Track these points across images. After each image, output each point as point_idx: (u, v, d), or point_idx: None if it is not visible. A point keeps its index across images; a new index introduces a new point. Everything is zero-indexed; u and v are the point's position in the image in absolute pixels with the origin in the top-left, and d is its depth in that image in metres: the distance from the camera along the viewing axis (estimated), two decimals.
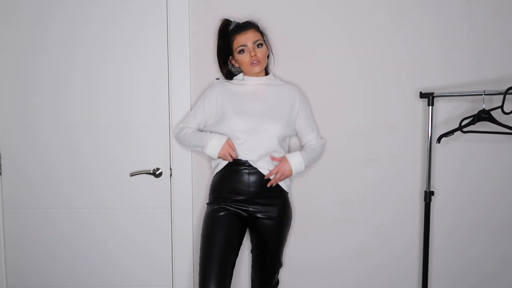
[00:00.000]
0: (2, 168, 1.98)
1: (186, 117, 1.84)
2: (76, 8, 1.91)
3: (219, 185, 1.72)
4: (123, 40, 1.92)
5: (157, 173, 1.95)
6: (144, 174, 1.96)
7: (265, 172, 1.67)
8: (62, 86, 1.94)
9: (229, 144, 1.66)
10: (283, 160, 1.69)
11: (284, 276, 1.98)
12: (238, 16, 1.85)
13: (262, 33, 1.74)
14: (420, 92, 1.84)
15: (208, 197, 1.78)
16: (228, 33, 1.73)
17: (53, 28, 1.91)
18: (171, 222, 1.99)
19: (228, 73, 1.83)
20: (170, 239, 2.00)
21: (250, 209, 1.68)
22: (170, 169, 1.96)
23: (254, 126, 1.66)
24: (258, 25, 1.77)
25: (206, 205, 1.77)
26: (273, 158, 1.68)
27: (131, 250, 2.01)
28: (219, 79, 1.89)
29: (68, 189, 1.98)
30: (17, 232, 2.01)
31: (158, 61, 1.93)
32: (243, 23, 1.74)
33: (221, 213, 1.67)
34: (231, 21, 1.76)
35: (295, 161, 1.69)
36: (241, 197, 1.67)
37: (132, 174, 1.96)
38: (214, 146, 1.66)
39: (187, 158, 1.94)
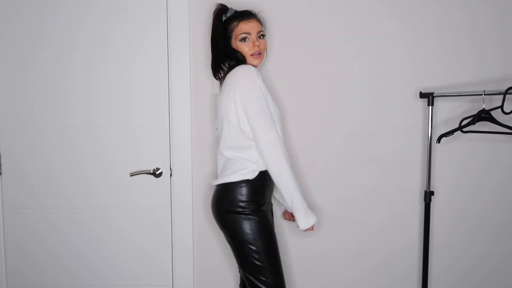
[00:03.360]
0: (2, 168, 1.98)
1: (267, 125, 1.51)
2: (76, 8, 1.91)
3: (264, 186, 1.59)
4: (122, 40, 1.92)
5: (157, 173, 1.95)
6: (144, 174, 1.96)
7: None
8: (62, 86, 1.94)
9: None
10: None
11: (285, 275, 1.97)
12: None
13: (263, 25, 1.69)
14: (420, 92, 1.84)
15: (248, 201, 1.56)
16: (229, 18, 1.63)
17: (52, 28, 1.91)
18: (171, 222, 1.99)
19: (219, 65, 1.67)
20: (170, 239, 2.00)
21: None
22: (170, 169, 1.96)
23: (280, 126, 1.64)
24: (260, 17, 1.70)
25: (248, 213, 1.55)
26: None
27: (131, 250, 2.01)
28: None
29: (68, 189, 1.98)
30: (17, 232, 2.01)
31: (158, 60, 1.93)
32: (248, 11, 1.65)
33: (268, 217, 1.61)
34: (228, 7, 1.66)
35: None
36: (269, 199, 1.66)
37: (132, 174, 1.96)
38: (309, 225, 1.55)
39: (187, 158, 1.94)
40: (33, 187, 1.98)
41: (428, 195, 1.85)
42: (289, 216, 1.81)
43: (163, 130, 1.95)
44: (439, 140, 1.80)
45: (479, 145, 1.92)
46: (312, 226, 1.56)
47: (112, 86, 1.94)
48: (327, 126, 1.93)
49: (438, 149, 1.92)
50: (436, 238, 1.96)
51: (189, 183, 1.95)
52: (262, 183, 1.59)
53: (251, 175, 1.56)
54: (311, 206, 1.97)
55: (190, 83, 1.92)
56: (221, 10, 1.66)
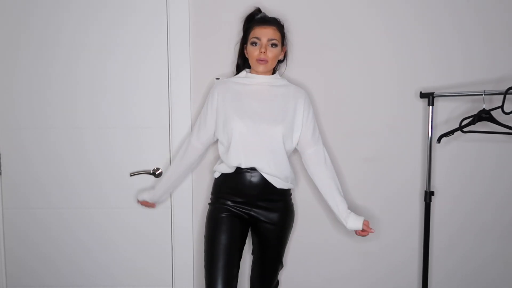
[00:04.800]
0: (2, 168, 1.98)
1: (193, 128, 1.76)
2: (81, 13, 1.91)
3: (220, 186, 1.69)
4: (123, 41, 1.92)
5: (157, 173, 1.95)
6: (144, 174, 1.96)
7: (267, 177, 1.62)
8: (65, 87, 1.94)
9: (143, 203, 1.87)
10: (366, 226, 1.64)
11: (285, 275, 1.98)
12: (239, 16, 1.85)
13: (283, 35, 1.69)
14: (420, 92, 1.84)
15: (209, 197, 1.75)
16: (251, 21, 1.69)
17: (60, 31, 1.91)
18: (171, 222, 1.99)
19: (241, 65, 1.77)
20: (170, 239, 2.00)
21: (252, 213, 1.65)
22: None
23: (255, 129, 1.59)
24: (284, 26, 1.72)
25: (208, 205, 1.74)
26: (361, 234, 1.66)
27: (131, 249, 2.01)
28: (219, 78, 1.89)
29: (70, 188, 1.98)
30: (17, 231, 2.01)
31: (158, 61, 1.92)
32: (270, 17, 1.70)
33: (223, 215, 1.64)
34: (261, 11, 1.72)
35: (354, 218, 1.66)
36: (242, 199, 1.64)
37: (132, 174, 1.96)
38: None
39: None
40: (33, 187, 1.98)
41: (428, 195, 1.85)
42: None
43: (163, 130, 1.95)
44: (439, 140, 1.80)
45: (479, 145, 1.92)
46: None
47: (112, 87, 1.94)
48: (327, 126, 1.93)
49: (438, 149, 1.92)
50: (436, 238, 1.96)
51: (189, 183, 1.95)
52: None
53: None
54: (312, 205, 1.97)
55: (190, 83, 1.92)
56: (254, 14, 1.72)
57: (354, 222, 1.63)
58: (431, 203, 1.90)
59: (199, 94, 1.92)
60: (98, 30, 1.91)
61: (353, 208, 1.96)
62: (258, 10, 1.73)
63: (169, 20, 1.89)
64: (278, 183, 1.64)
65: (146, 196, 1.82)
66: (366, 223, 1.64)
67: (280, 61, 1.77)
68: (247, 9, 1.83)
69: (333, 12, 1.90)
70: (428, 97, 1.81)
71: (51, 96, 1.94)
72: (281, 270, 1.81)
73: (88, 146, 1.96)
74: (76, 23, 1.91)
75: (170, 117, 1.94)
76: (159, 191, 1.80)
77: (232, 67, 1.87)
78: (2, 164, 1.98)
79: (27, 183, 1.98)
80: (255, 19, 1.68)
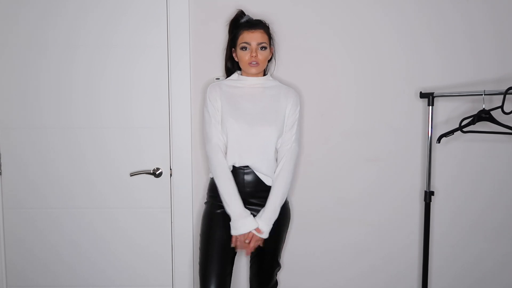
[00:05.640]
0: (2, 168, 1.98)
1: (206, 132, 1.67)
2: (78, 10, 1.91)
3: (216, 185, 1.70)
4: (123, 41, 1.92)
5: (157, 173, 1.95)
6: (144, 174, 1.96)
7: (260, 175, 1.66)
8: (63, 86, 1.94)
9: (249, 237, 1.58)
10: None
11: (284, 275, 1.98)
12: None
13: (270, 36, 1.71)
14: (420, 92, 1.84)
15: (205, 197, 1.78)
16: (238, 25, 1.71)
17: (55, 29, 1.91)
18: (171, 222, 1.99)
19: (231, 68, 1.80)
20: (170, 239, 2.00)
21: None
22: (170, 169, 1.96)
23: (248, 129, 1.63)
24: (269, 27, 1.74)
25: (204, 205, 1.76)
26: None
27: (131, 249, 2.01)
28: (219, 79, 1.89)
29: (69, 188, 1.98)
30: (17, 232, 2.00)
31: (158, 61, 1.92)
32: (255, 20, 1.71)
33: (218, 211, 1.66)
34: (245, 14, 1.74)
35: (264, 226, 1.60)
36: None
37: (132, 174, 1.96)
38: (238, 228, 1.58)
39: (187, 158, 1.94)
40: (33, 186, 1.98)
41: (428, 195, 1.85)
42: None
43: (163, 130, 1.95)
44: (439, 140, 1.80)
45: (479, 145, 1.92)
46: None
47: (113, 86, 1.94)
48: (327, 126, 1.93)
49: (438, 149, 1.92)
50: (436, 238, 1.96)
51: (189, 183, 1.95)
52: None
53: None
54: (311, 206, 1.97)
55: (190, 83, 1.92)
56: (238, 17, 1.73)
57: (247, 225, 1.58)
58: (431, 203, 1.90)
59: (199, 94, 1.92)
60: (97, 29, 1.91)
61: (352, 207, 1.96)
62: (242, 13, 1.74)
63: (169, 20, 1.89)
64: (270, 181, 1.67)
65: (254, 223, 1.58)
66: (239, 238, 1.59)
67: (268, 61, 1.78)
68: (247, 8, 1.83)
69: (333, 14, 1.90)
70: (428, 97, 1.81)
71: (52, 96, 1.94)
72: (278, 271, 1.81)
73: (88, 147, 1.96)
74: (73, 20, 1.91)
75: (170, 117, 1.94)
76: (237, 200, 1.62)
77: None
78: (2, 164, 1.98)
79: (28, 183, 1.98)
80: (241, 23, 1.70)
